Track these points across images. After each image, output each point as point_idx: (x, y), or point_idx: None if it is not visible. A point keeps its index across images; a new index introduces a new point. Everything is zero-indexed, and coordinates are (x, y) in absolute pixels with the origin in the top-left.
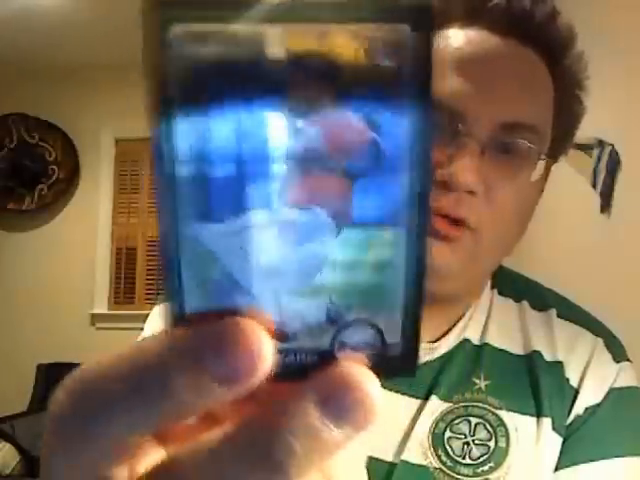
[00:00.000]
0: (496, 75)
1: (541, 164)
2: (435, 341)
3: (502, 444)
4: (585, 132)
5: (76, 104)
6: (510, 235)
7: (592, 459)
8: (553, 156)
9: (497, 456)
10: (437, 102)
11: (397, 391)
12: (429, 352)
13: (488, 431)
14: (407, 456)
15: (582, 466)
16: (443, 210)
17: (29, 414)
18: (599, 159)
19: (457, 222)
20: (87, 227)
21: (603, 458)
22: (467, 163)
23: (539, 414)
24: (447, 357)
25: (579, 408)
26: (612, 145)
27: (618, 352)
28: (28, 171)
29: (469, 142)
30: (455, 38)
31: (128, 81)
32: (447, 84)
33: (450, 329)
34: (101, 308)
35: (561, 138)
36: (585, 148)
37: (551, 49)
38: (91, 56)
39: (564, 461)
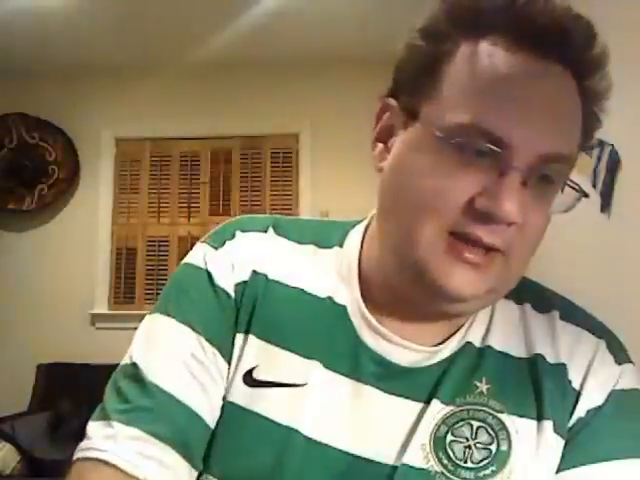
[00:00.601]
0: (540, 105)
1: (569, 191)
2: (439, 344)
3: (504, 447)
4: None
5: (76, 104)
6: (531, 256)
7: (594, 461)
8: None
9: (499, 460)
10: (488, 133)
11: (399, 395)
12: (432, 356)
13: (490, 434)
14: (408, 460)
15: (584, 468)
16: (478, 239)
17: (29, 414)
18: (599, 159)
19: (489, 249)
20: (87, 227)
21: (605, 460)
22: (511, 196)
23: (541, 417)
24: (449, 360)
25: (581, 410)
26: (612, 145)
27: (620, 354)
28: (28, 171)
29: (512, 172)
30: (499, 61)
31: (128, 81)
32: (492, 108)
33: (453, 333)
34: (101, 308)
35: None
36: (585, 148)
37: (585, 69)
38: (91, 56)
39: (566, 463)
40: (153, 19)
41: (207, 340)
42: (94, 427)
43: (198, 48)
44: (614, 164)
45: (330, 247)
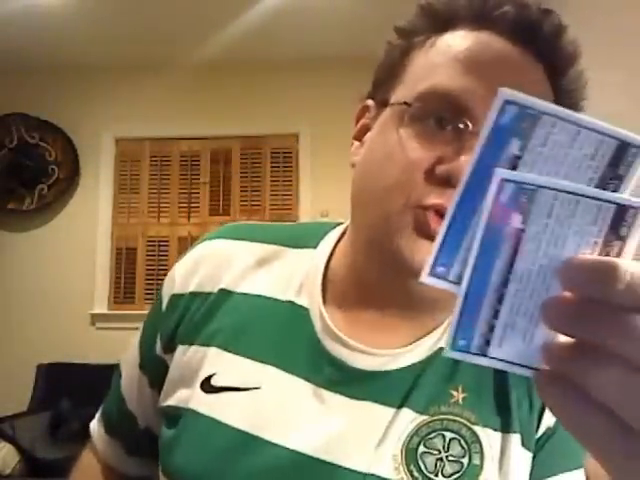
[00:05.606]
0: (505, 77)
1: None
2: (408, 345)
3: (476, 461)
4: None
5: (76, 104)
6: None
7: (562, 471)
8: None
9: (470, 474)
10: (446, 95)
11: (365, 399)
12: (394, 360)
13: (462, 447)
14: (379, 470)
15: (554, 479)
16: (441, 207)
17: (29, 414)
18: None
19: None
20: (87, 227)
21: (575, 469)
22: (470, 155)
23: (508, 430)
24: (422, 366)
25: (548, 421)
26: None
27: None
28: (28, 171)
29: (471, 137)
30: (465, 39)
31: (128, 81)
32: (458, 80)
33: (425, 336)
34: (101, 308)
35: None
36: None
37: (555, 65)
38: (91, 56)
39: (535, 476)
40: (153, 19)
41: (140, 356)
42: (93, 423)
43: (198, 48)
44: None
45: (302, 248)
